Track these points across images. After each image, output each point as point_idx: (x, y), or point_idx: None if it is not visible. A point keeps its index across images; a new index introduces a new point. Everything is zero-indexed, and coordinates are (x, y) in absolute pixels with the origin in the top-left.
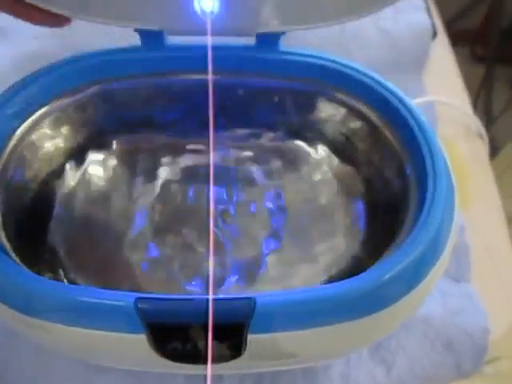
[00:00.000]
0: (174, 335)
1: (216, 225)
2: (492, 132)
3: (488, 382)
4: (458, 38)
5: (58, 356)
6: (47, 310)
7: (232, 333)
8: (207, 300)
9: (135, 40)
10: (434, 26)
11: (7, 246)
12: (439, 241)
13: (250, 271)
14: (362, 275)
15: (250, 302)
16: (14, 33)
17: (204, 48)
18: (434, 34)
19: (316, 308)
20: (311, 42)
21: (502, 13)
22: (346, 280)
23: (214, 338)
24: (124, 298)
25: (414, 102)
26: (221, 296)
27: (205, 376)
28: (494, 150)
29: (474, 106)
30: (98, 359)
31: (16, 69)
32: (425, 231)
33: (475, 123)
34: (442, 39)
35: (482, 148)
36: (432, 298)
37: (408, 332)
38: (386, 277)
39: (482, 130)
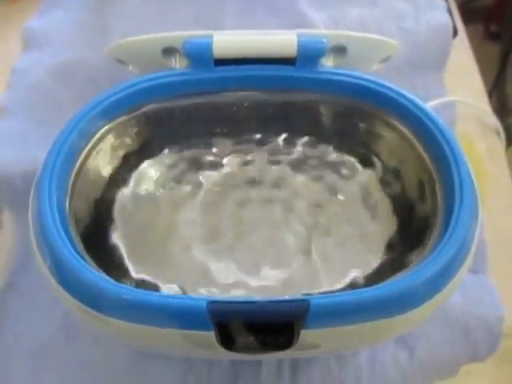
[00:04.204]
0: (239, 332)
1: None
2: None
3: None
4: (472, 16)
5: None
6: (119, 310)
7: (286, 329)
8: (268, 302)
9: None
10: (454, 25)
11: (86, 254)
12: (467, 244)
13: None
14: (400, 278)
15: (305, 303)
16: (49, 42)
17: (248, 69)
18: (455, 33)
19: (361, 308)
20: None
21: None
22: (385, 283)
23: (272, 332)
24: (197, 302)
25: (436, 103)
26: (280, 298)
27: None
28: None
29: (491, 89)
30: (155, 349)
31: (52, 77)
32: (455, 237)
33: (493, 121)
34: (462, 37)
35: (499, 144)
36: None
37: (430, 319)
38: (424, 278)
39: (499, 128)
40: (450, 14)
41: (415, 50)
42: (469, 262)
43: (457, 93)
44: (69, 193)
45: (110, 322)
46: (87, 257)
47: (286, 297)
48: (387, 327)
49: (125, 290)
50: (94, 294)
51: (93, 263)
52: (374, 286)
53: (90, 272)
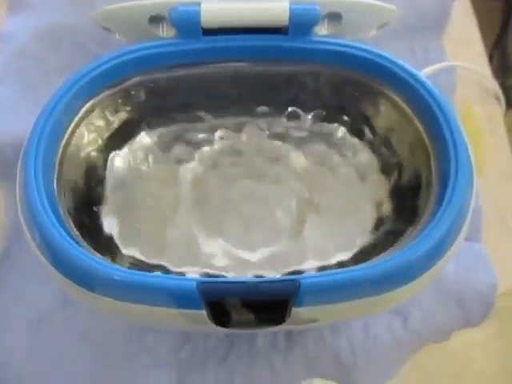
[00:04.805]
0: (231, 309)
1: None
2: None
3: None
4: None
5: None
6: (110, 290)
7: (278, 306)
8: (258, 282)
9: None
10: None
11: (76, 233)
12: (462, 215)
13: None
14: (394, 254)
15: (295, 282)
16: (35, 4)
17: (238, 39)
18: None
19: (352, 286)
20: None
21: None
22: (379, 260)
23: (263, 310)
24: (188, 282)
25: (435, 68)
26: (271, 278)
27: None
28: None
29: (493, 48)
30: (150, 325)
31: (38, 41)
32: (451, 208)
33: (493, 85)
34: None
35: (498, 110)
36: None
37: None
38: (419, 253)
39: (499, 92)
40: None
41: (415, 12)
42: (464, 232)
43: (456, 55)
44: (56, 170)
45: (101, 300)
46: (76, 234)
47: (277, 276)
48: (381, 302)
49: (115, 271)
50: (84, 274)
51: (82, 240)
52: (367, 264)
53: (79, 251)
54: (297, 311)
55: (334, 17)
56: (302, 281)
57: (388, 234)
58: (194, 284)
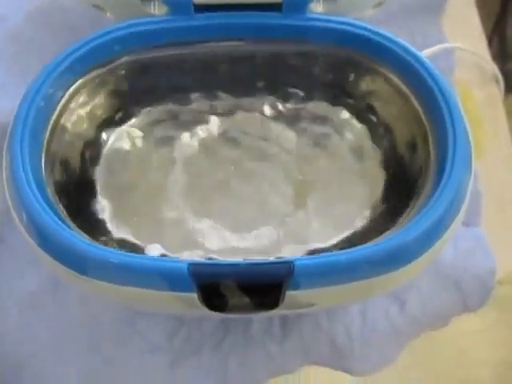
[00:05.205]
0: (222, 293)
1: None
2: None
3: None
4: None
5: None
6: (102, 272)
7: (272, 290)
8: (251, 264)
9: None
10: None
11: (65, 214)
12: (459, 197)
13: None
14: (390, 236)
15: (289, 265)
16: None
17: (231, 16)
18: None
19: (348, 268)
20: None
21: None
22: (375, 242)
23: (257, 294)
24: (179, 265)
25: (434, 49)
26: (263, 260)
27: None
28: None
29: (491, 33)
30: (144, 309)
31: (30, 22)
32: (448, 189)
33: (492, 68)
34: None
35: (498, 93)
36: None
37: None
38: (415, 235)
39: (499, 75)
40: None
41: None
42: (462, 214)
43: (455, 38)
44: (44, 150)
45: (92, 282)
46: (65, 215)
47: (271, 259)
48: (378, 284)
49: (106, 253)
50: (75, 257)
51: (71, 222)
52: (363, 246)
53: (69, 233)
54: (292, 294)
55: None
56: (296, 263)
57: (385, 217)
58: (185, 266)
